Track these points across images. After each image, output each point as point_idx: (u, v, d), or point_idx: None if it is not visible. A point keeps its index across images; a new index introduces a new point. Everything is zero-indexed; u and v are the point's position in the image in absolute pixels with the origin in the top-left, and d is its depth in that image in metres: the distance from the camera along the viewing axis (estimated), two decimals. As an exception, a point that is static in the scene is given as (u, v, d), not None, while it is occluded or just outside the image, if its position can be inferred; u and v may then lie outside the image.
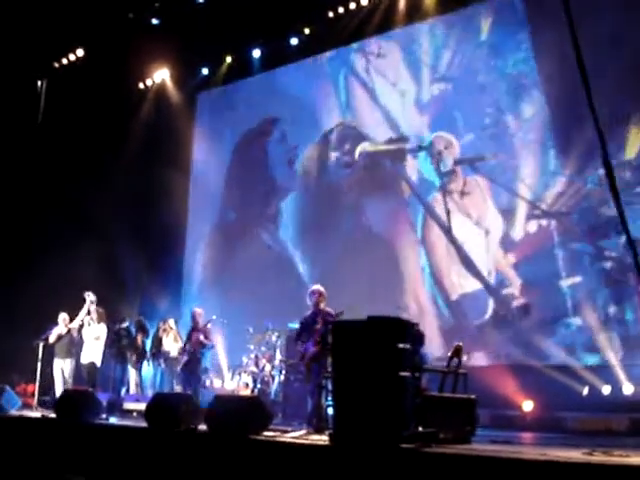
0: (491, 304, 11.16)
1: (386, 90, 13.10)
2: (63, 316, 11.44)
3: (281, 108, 14.53)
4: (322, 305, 8.48)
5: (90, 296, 11.32)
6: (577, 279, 10.37)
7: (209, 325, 10.89)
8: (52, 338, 11.27)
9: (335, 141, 13.70)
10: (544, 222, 10.90)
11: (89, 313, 11.26)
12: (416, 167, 12.53)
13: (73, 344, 11.34)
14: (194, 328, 10.87)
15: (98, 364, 11.22)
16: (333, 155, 13.67)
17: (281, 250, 13.95)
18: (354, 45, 13.65)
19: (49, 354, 11.35)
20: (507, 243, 11.19)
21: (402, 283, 12.20)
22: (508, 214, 11.23)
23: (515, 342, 10.67)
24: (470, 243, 11.59)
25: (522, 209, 11.11)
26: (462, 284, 11.55)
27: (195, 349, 10.66)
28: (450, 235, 11.83)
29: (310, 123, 13.98)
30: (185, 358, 10.72)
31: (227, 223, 15.00)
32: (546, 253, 10.72)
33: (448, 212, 11.93)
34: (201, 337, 10.70)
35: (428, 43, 12.67)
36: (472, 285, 11.43)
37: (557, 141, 10.89)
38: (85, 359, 11.17)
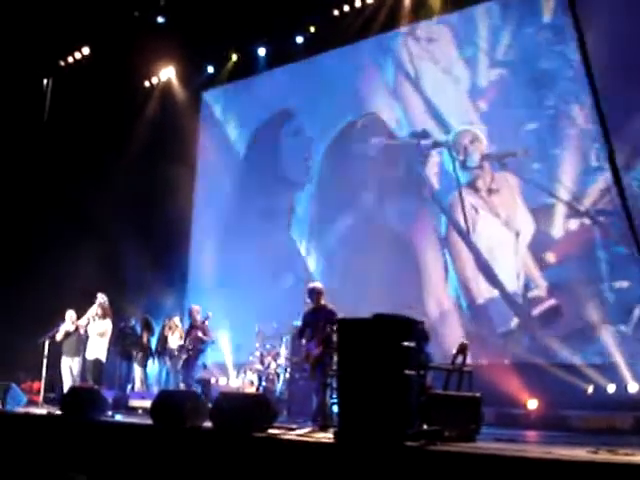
0: (519, 309, 10.71)
1: (436, 78, 12.34)
2: (70, 313, 11.41)
3: (297, 101, 14.22)
4: (323, 301, 8.51)
5: (101, 297, 11.32)
6: (623, 284, 9.76)
7: (207, 322, 10.94)
8: (59, 335, 11.25)
9: (358, 133, 13.21)
10: (584, 222, 10.32)
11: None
12: (440, 163, 12.00)
13: (81, 342, 11.34)
14: (192, 325, 10.96)
15: (103, 360, 11.21)
16: (354, 148, 13.17)
17: (292, 248, 13.78)
18: (402, 29, 12.80)
19: (55, 351, 11.36)
20: (540, 245, 10.63)
21: (424, 285, 11.73)
22: (542, 213, 10.67)
23: (545, 349, 10.25)
24: (499, 244, 11.06)
25: (559, 207, 10.56)
26: (489, 288, 11.05)
27: (194, 346, 10.74)
28: (474, 235, 11.34)
29: (332, 114, 13.51)
30: (184, 356, 10.77)
31: (236, 220, 14.85)
32: (586, 255, 10.12)
33: (470, 211, 11.35)
34: (200, 334, 10.76)
35: (484, 26, 11.81)
36: (500, 289, 10.91)
37: (601, 135, 10.20)
38: (90, 355, 11.15)
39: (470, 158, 11.68)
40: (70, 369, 11.21)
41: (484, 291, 11.15)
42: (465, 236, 11.46)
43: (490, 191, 11.36)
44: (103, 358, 11.19)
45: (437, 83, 12.40)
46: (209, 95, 16.06)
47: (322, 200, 13.62)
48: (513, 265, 10.93)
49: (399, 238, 12.14)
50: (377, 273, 11.68)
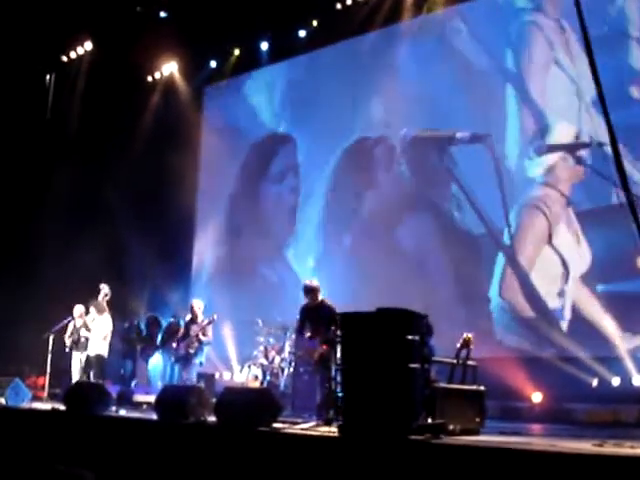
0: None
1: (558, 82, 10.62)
2: (79, 308, 11.41)
3: (305, 96, 13.87)
4: (320, 297, 8.50)
5: (105, 289, 11.30)
6: None
7: (211, 324, 10.82)
8: (68, 331, 11.25)
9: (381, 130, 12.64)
10: None
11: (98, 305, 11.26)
12: (506, 161, 10.90)
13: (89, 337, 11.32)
14: (192, 320, 10.84)
15: (105, 356, 11.19)
16: (375, 146, 12.63)
17: (297, 242, 13.60)
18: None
19: (61, 346, 11.35)
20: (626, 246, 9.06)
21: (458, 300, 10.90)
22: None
23: (549, 342, 9.94)
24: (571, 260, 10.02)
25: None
26: (536, 301, 10.27)
27: (192, 344, 10.64)
28: (524, 243, 10.35)
29: (346, 111, 12.99)
30: (181, 352, 10.70)
31: (240, 214, 14.71)
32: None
33: (526, 214, 10.36)
34: (200, 334, 10.67)
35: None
36: (544, 304, 10.20)
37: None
38: (92, 351, 11.13)
39: (534, 152, 10.63)
40: (81, 363, 11.18)
41: (528, 307, 10.49)
42: (513, 243, 10.67)
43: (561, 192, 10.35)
44: (105, 354, 11.17)
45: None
46: (212, 89, 16.00)
47: (335, 197, 13.26)
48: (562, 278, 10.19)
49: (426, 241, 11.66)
50: (395, 276, 11.41)
